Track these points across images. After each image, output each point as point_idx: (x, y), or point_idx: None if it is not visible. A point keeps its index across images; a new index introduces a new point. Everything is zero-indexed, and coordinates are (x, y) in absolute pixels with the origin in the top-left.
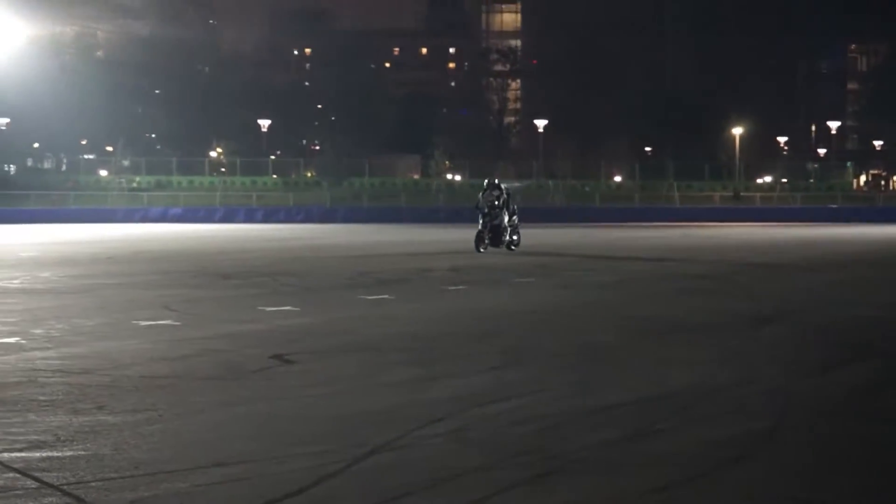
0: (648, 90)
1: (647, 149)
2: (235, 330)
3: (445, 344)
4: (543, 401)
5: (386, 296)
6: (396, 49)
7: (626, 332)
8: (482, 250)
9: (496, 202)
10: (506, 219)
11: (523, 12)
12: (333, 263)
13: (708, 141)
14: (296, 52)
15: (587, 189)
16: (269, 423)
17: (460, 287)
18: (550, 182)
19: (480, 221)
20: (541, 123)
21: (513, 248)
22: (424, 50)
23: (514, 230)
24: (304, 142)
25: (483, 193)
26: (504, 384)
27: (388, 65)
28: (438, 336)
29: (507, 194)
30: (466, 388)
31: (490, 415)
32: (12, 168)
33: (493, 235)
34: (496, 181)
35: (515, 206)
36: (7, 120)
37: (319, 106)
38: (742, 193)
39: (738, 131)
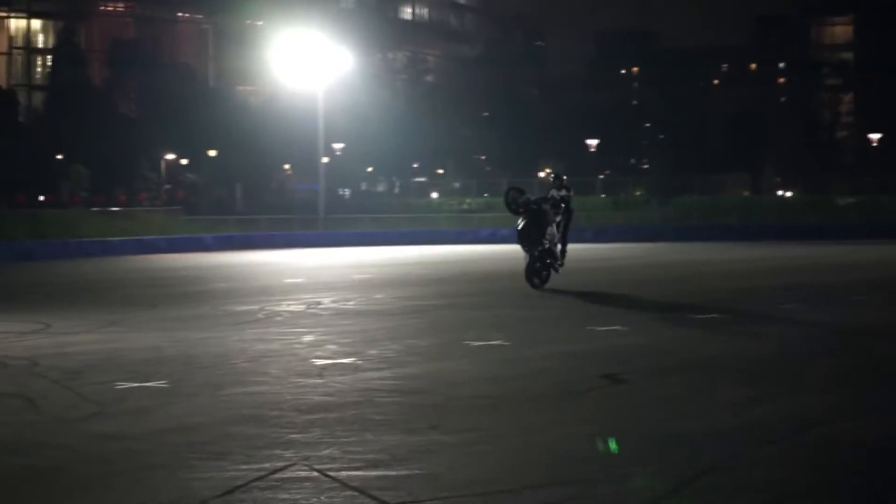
0: None
1: None
2: (565, 349)
3: (777, 363)
4: (877, 424)
5: (716, 315)
6: (724, 65)
7: None
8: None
9: (560, 204)
10: (554, 232)
11: (856, 24)
12: (660, 282)
13: None
14: (623, 72)
15: None
16: (600, 442)
17: (792, 306)
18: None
19: (521, 223)
20: (875, 137)
21: (536, 281)
22: (753, 66)
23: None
24: (633, 160)
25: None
26: (837, 405)
27: (716, 81)
28: (769, 355)
29: (567, 201)
30: (798, 409)
31: (823, 437)
32: (347, 192)
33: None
34: (563, 174)
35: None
36: (342, 145)
37: (647, 124)
38: None
39: None
